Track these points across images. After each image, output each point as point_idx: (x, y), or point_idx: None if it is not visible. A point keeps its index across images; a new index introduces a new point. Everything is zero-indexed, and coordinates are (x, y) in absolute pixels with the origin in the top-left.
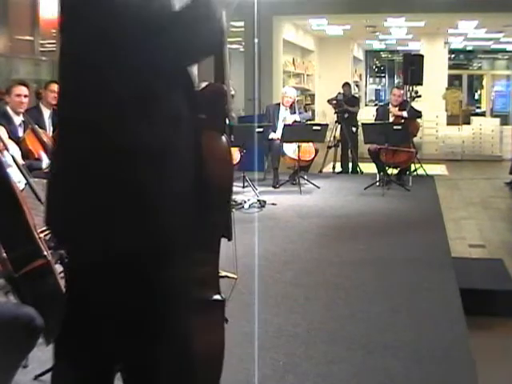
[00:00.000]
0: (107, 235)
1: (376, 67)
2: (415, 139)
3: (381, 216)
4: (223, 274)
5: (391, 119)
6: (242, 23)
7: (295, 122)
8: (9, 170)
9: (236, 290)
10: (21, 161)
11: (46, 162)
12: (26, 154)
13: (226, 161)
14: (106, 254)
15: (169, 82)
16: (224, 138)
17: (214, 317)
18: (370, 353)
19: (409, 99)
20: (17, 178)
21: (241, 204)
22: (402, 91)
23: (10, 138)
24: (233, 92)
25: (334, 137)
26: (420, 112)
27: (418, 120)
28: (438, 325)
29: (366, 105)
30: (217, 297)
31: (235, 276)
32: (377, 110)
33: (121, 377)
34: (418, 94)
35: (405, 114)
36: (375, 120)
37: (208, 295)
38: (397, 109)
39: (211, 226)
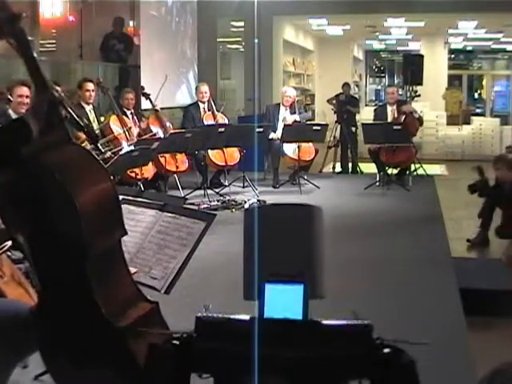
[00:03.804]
0: None
1: (376, 67)
2: (415, 139)
3: (381, 216)
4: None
5: (390, 119)
6: (241, 23)
7: (295, 121)
8: None
9: (236, 290)
10: None
11: None
12: None
13: (83, 168)
14: None
15: None
16: (73, 145)
17: (153, 324)
18: None
19: (409, 99)
20: None
21: (241, 204)
22: (395, 88)
23: None
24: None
25: (334, 137)
26: (421, 118)
27: None
28: (437, 325)
29: (366, 105)
30: (146, 305)
31: (134, 270)
32: (375, 110)
33: None
34: (418, 94)
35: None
36: (373, 121)
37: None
38: (394, 106)
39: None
